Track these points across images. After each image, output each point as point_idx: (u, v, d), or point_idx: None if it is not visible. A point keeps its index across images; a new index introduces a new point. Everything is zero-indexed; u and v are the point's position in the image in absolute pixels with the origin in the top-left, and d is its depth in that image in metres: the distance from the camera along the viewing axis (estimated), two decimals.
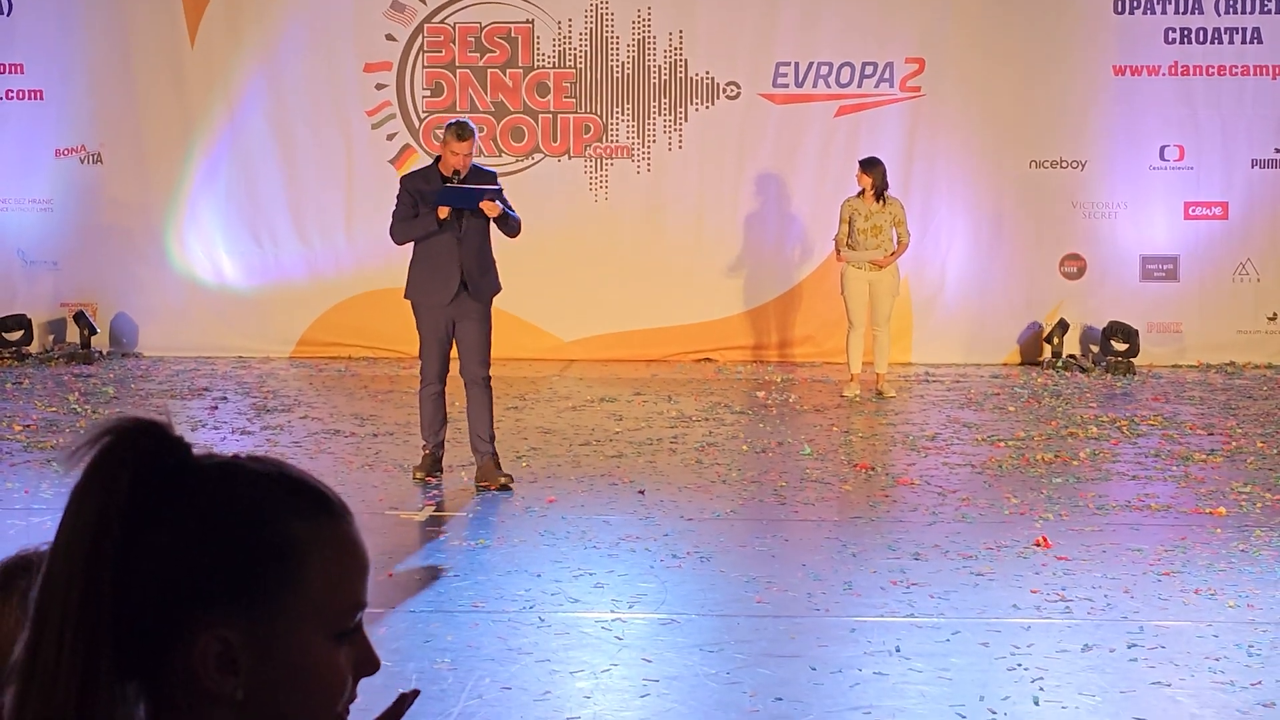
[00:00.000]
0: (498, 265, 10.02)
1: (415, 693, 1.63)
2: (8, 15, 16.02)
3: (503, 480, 9.76)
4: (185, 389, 13.81)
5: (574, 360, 15.47)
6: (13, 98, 16.06)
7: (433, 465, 10.00)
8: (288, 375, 14.83)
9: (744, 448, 11.25)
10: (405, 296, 10.00)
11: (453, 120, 10.05)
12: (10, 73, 16.04)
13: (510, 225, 9.84)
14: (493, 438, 9.87)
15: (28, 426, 11.79)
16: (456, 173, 9.70)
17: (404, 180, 10.04)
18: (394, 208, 9.93)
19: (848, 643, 6.71)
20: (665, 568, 7.95)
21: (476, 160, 10.06)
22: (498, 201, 9.70)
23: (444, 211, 9.61)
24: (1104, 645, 6.65)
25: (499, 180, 10.05)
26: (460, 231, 9.72)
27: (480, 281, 9.81)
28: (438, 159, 9.89)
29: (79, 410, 12.55)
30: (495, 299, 10.03)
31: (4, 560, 2.02)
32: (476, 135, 9.88)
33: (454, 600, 7.32)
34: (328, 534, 1.53)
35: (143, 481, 1.47)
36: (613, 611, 7.17)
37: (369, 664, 1.56)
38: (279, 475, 1.54)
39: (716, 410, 12.89)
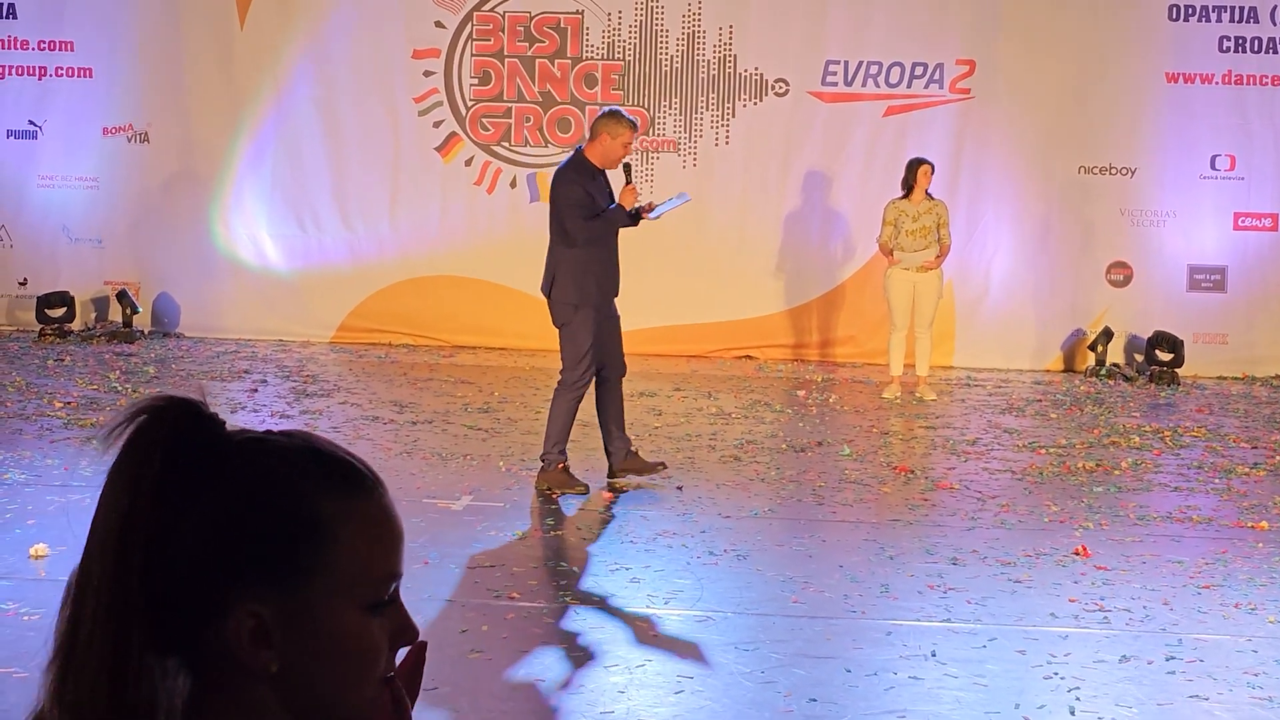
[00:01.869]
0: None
1: (424, 644, 1.63)
2: None
3: (656, 466, 9.86)
4: (225, 371, 13.83)
5: None
6: (62, 75, 16.12)
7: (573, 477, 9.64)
8: (328, 360, 14.84)
9: (783, 446, 11.20)
10: (571, 301, 9.51)
11: (612, 109, 9.77)
12: (60, 50, 16.11)
13: None
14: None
15: (68, 404, 11.83)
16: (627, 165, 9.60)
17: (578, 181, 9.47)
18: (573, 211, 9.46)
19: (883, 645, 6.68)
20: (702, 565, 7.92)
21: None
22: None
23: (629, 201, 9.52)
24: (1142, 657, 6.60)
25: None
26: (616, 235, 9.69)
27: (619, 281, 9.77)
28: (577, 151, 9.63)
29: (119, 389, 12.58)
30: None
31: None
32: None
33: (490, 590, 7.30)
34: (358, 507, 1.55)
35: (177, 459, 1.49)
36: (648, 607, 7.14)
37: (406, 632, 1.57)
38: (308, 450, 1.56)
39: (756, 408, 12.85)
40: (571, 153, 9.85)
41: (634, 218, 9.61)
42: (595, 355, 9.54)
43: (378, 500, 1.57)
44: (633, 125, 9.50)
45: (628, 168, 9.69)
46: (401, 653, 1.59)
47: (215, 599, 1.48)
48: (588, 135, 9.94)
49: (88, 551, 1.49)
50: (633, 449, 9.86)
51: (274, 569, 1.49)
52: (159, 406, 1.51)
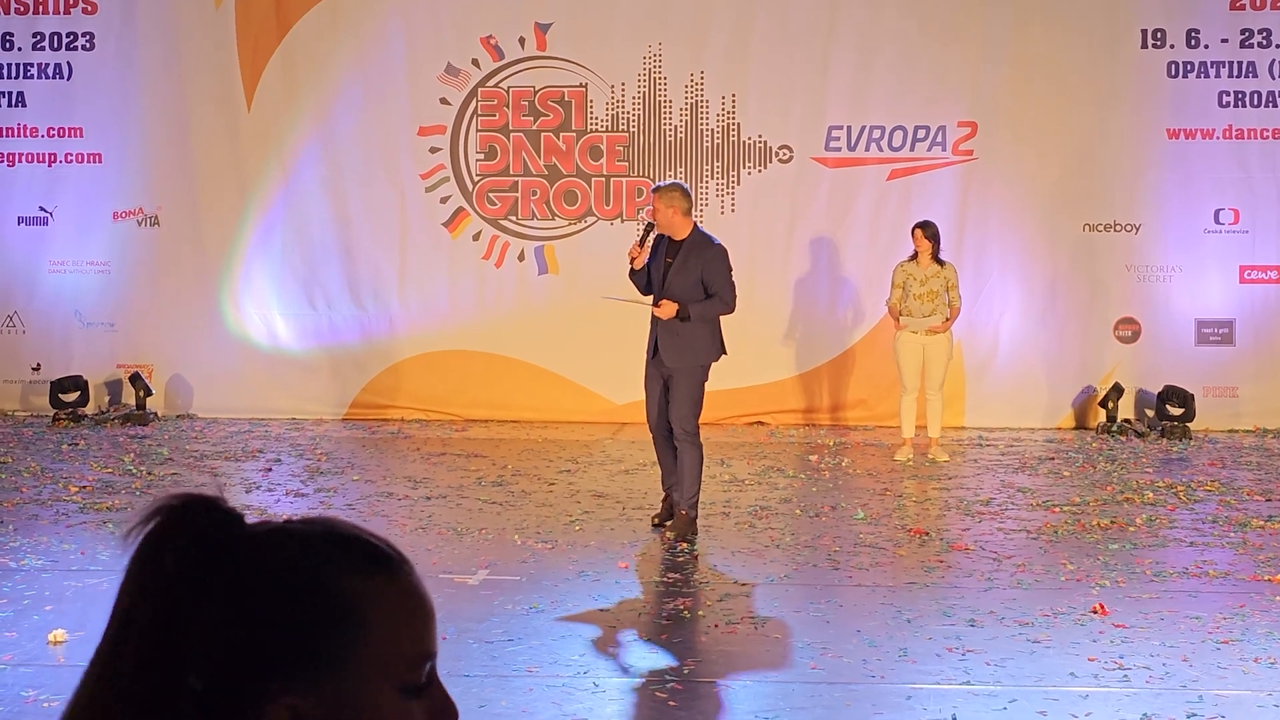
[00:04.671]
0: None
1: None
2: (68, 79, 16.23)
3: (667, 534, 10.19)
4: (239, 451, 13.86)
5: (626, 423, 15.44)
6: (72, 161, 16.25)
7: (668, 512, 10.44)
8: (341, 437, 14.87)
9: (797, 512, 11.21)
10: None
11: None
12: (70, 136, 16.24)
13: (703, 311, 10.25)
14: (689, 498, 10.25)
15: (84, 488, 11.85)
16: (649, 227, 10.33)
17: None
18: None
19: (903, 710, 6.66)
20: (719, 633, 7.92)
21: (707, 230, 10.82)
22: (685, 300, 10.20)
23: (633, 262, 10.32)
24: (1163, 714, 6.58)
25: (721, 254, 10.36)
26: (661, 295, 10.24)
27: (668, 346, 10.26)
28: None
29: (134, 471, 12.61)
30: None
31: None
32: (674, 192, 10.31)
33: (508, 665, 7.30)
34: (385, 588, 1.52)
35: (195, 559, 1.46)
36: (667, 677, 7.13)
37: (445, 713, 1.53)
38: (330, 534, 1.53)
39: (769, 474, 12.86)
40: None
41: (638, 276, 10.47)
42: (647, 405, 10.51)
43: (405, 580, 1.54)
44: (654, 189, 10.45)
45: (647, 230, 10.41)
46: None
47: (248, 695, 1.45)
48: None
49: (100, 653, 1.47)
50: (682, 513, 10.30)
51: (306, 659, 1.46)
52: (173, 506, 1.48)
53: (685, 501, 10.25)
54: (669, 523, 10.37)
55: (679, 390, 10.25)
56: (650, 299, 10.38)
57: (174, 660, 1.44)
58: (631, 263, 10.34)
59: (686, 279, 10.22)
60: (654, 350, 10.32)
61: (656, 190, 10.36)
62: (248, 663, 1.45)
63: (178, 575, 1.45)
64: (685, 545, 9.97)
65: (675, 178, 15.82)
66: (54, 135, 16.25)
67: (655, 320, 10.30)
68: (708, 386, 10.61)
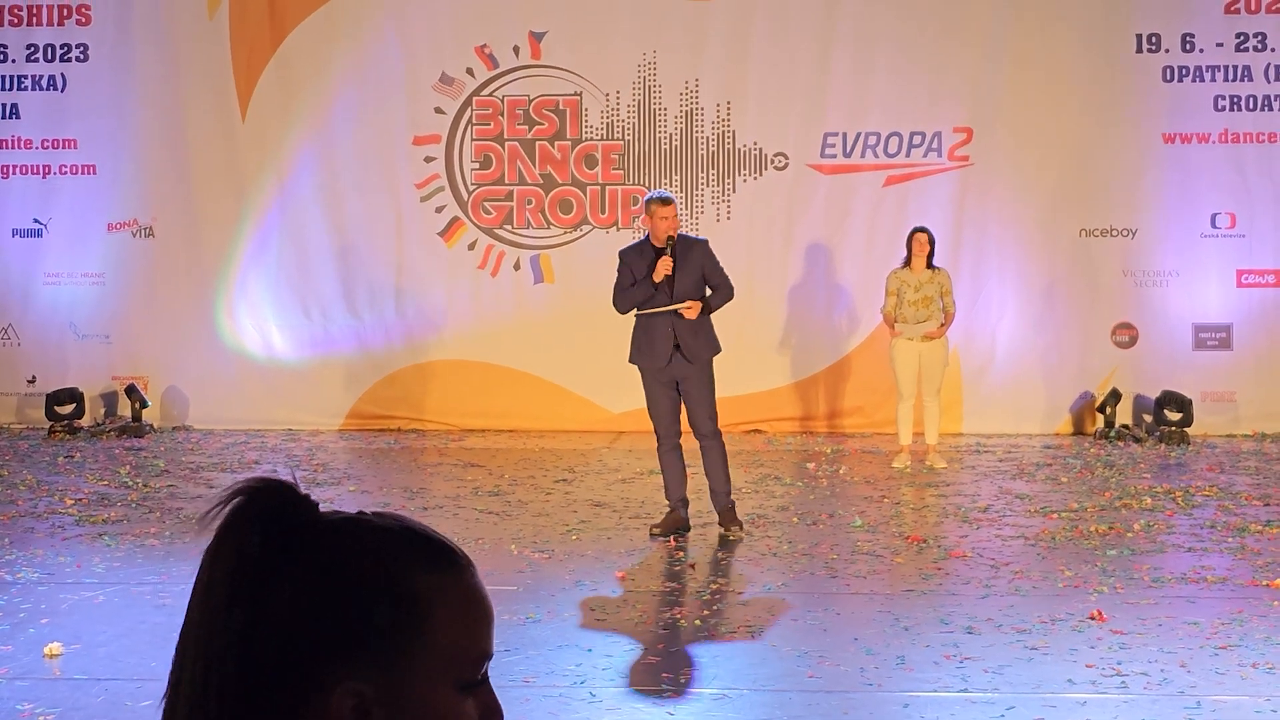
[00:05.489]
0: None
1: None
2: (62, 91, 16.22)
3: (734, 532, 10.48)
4: (235, 462, 13.84)
5: (623, 432, 15.43)
6: (66, 172, 16.23)
7: (673, 525, 10.53)
8: (337, 448, 14.85)
9: (794, 520, 11.18)
10: (630, 361, 10.68)
11: (652, 193, 10.79)
12: (64, 148, 16.22)
13: (719, 303, 10.61)
14: (729, 491, 10.61)
15: (79, 500, 11.82)
16: (670, 239, 10.40)
17: (621, 254, 10.65)
18: (617, 282, 10.58)
19: (901, 718, 6.64)
20: (716, 642, 7.89)
21: (685, 232, 11.14)
22: (700, 299, 10.47)
23: (659, 275, 10.32)
24: None
25: (710, 247, 10.70)
26: (671, 298, 10.40)
27: (693, 344, 10.46)
28: (648, 235, 10.55)
29: (130, 484, 12.58)
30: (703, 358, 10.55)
31: None
32: (672, 200, 10.56)
33: (505, 675, 7.27)
34: (452, 585, 1.57)
35: (272, 539, 1.52)
36: (664, 686, 7.11)
37: (493, 714, 1.58)
38: (401, 529, 1.58)
39: (766, 482, 12.84)
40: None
41: (658, 290, 10.46)
42: (656, 414, 10.56)
43: (470, 579, 1.59)
44: (661, 200, 10.49)
45: (669, 241, 10.42)
46: None
47: (315, 676, 1.49)
48: None
49: (184, 633, 1.51)
50: (728, 505, 10.62)
51: (373, 647, 1.50)
52: (254, 488, 1.55)
53: (726, 495, 10.56)
54: (728, 525, 10.53)
55: (700, 388, 10.47)
56: (653, 306, 10.44)
57: (247, 635, 1.48)
58: (655, 275, 10.37)
59: (690, 278, 10.44)
60: (668, 357, 10.41)
61: (662, 200, 10.46)
62: (316, 645, 1.49)
63: (260, 551, 1.51)
64: (737, 534, 10.47)
65: (670, 186, 15.82)
66: (48, 147, 16.24)
67: (666, 326, 10.40)
68: None
